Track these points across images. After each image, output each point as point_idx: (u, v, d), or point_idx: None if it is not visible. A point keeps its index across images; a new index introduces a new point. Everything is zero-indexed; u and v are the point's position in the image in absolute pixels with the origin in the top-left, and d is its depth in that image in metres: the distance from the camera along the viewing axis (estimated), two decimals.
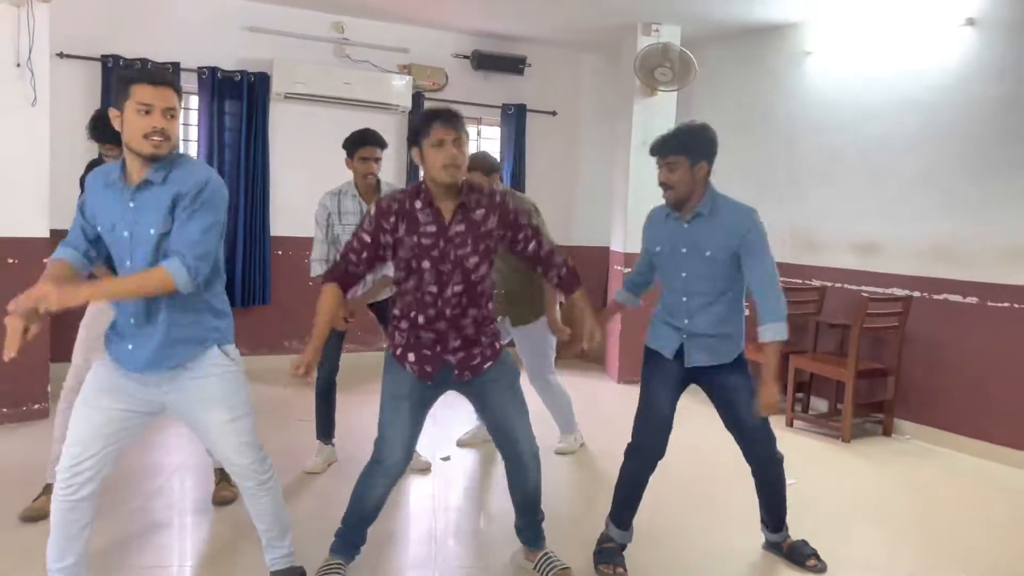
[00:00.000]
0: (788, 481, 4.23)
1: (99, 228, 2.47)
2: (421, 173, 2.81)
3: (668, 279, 3.10)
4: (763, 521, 3.36)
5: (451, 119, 2.67)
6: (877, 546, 3.53)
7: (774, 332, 2.93)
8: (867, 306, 5.00)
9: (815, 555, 3.24)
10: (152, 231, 2.39)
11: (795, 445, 5.00)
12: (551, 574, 2.98)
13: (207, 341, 2.52)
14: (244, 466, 2.63)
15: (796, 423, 5.42)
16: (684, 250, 3.01)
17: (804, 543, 3.30)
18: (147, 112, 2.33)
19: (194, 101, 6.18)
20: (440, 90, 6.94)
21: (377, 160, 3.93)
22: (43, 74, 4.66)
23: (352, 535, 2.95)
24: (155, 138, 2.34)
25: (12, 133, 4.58)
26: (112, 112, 2.40)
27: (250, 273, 6.21)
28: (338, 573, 2.88)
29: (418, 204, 2.71)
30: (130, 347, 2.47)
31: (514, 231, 2.78)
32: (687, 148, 2.95)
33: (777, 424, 5.32)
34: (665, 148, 2.97)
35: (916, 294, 5.23)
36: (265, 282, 6.28)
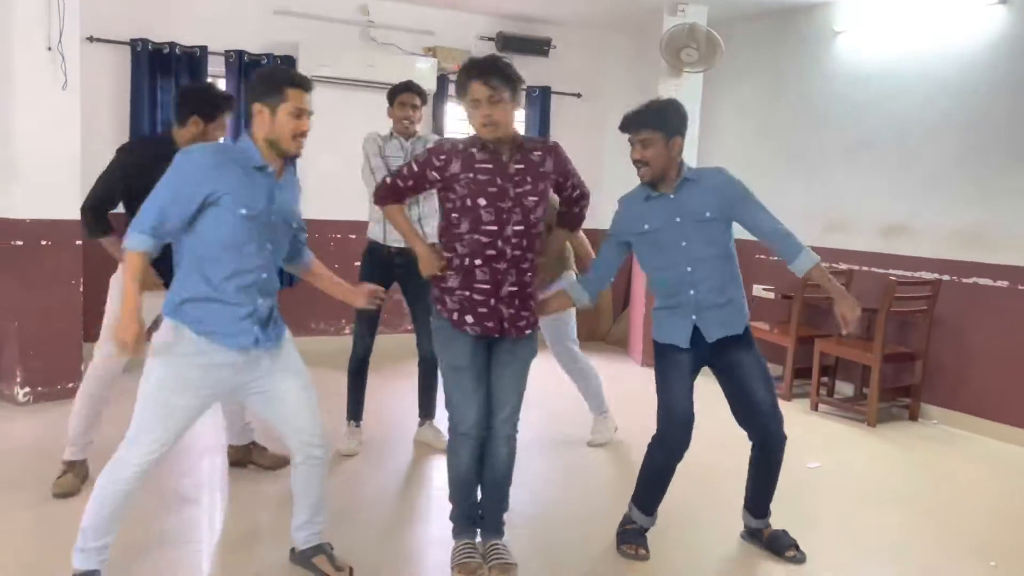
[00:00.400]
0: (811, 464, 4.24)
1: (222, 206, 2.46)
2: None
3: (666, 255, 3.00)
4: (747, 507, 3.26)
5: (488, 74, 2.68)
6: (899, 530, 3.52)
7: (808, 259, 3.00)
8: (895, 289, 4.96)
9: (795, 545, 3.15)
10: (294, 224, 2.70)
11: (820, 429, 4.99)
12: (495, 564, 2.88)
13: (282, 327, 2.74)
14: (316, 435, 2.72)
15: (821, 407, 5.40)
16: (678, 219, 2.97)
17: (784, 533, 3.20)
18: (299, 116, 2.53)
19: (222, 85, 6.22)
20: None
21: (415, 108, 4.04)
22: (74, 58, 4.71)
23: (464, 507, 2.95)
24: (301, 140, 2.57)
25: (44, 117, 4.64)
26: (256, 107, 2.53)
27: None
28: (471, 553, 2.90)
29: (473, 149, 2.76)
30: (256, 328, 2.56)
31: (565, 177, 2.89)
32: (661, 123, 2.92)
33: (802, 408, 5.34)
34: (637, 124, 2.94)
35: (945, 277, 5.17)
36: None
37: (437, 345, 2.89)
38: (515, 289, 2.79)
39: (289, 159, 2.65)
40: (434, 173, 2.79)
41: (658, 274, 3.06)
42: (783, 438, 3.10)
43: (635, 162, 2.98)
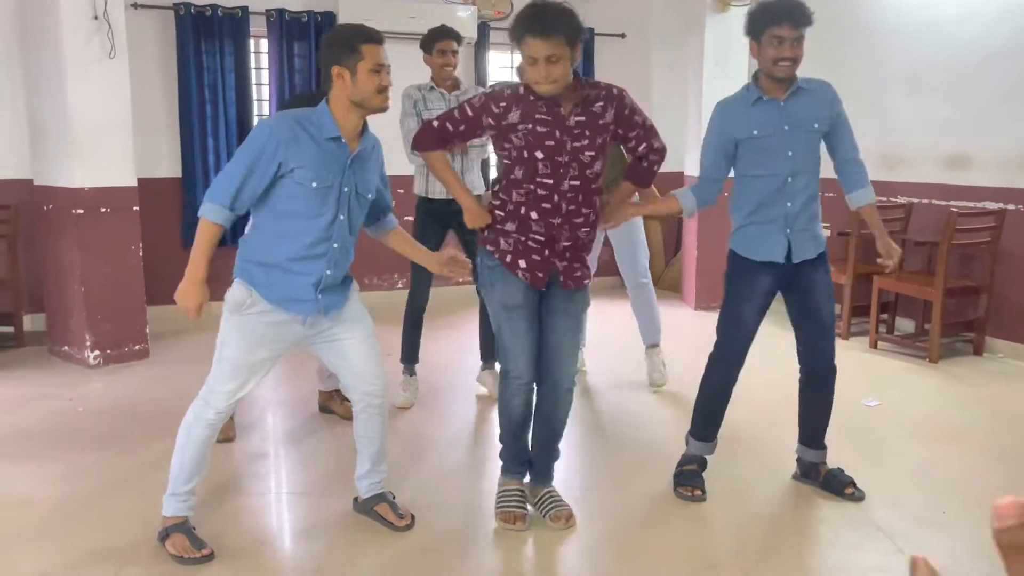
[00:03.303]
0: (871, 403, 4.18)
1: (294, 177, 2.49)
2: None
3: (769, 163, 2.93)
4: (802, 440, 3.20)
5: (547, 30, 2.50)
6: (963, 467, 3.46)
7: (867, 195, 3.09)
8: (956, 221, 4.80)
9: (852, 483, 3.12)
10: (370, 195, 2.69)
11: (879, 367, 4.91)
12: (551, 512, 2.90)
13: (349, 289, 2.77)
14: (379, 385, 2.80)
15: (880, 344, 5.30)
16: (787, 127, 2.92)
17: (841, 471, 3.16)
18: (378, 71, 2.52)
19: (264, 44, 6.25)
20: (506, 18, 6.82)
21: (454, 53, 4.02)
22: (120, 25, 4.76)
23: (514, 448, 2.97)
24: (386, 94, 2.57)
25: (94, 86, 4.72)
26: (336, 71, 2.52)
27: None
28: (518, 497, 2.94)
29: (533, 96, 2.64)
30: (319, 297, 2.60)
31: (626, 128, 2.75)
32: (810, 19, 2.84)
33: (860, 347, 5.25)
34: (802, 18, 2.82)
35: (1011, 207, 4.99)
36: None
37: (487, 286, 2.85)
38: (569, 244, 2.75)
39: (364, 129, 2.64)
40: (490, 120, 2.68)
41: (756, 183, 2.98)
42: (833, 359, 3.07)
43: (782, 59, 2.84)
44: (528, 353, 2.82)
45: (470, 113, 2.72)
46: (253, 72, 6.20)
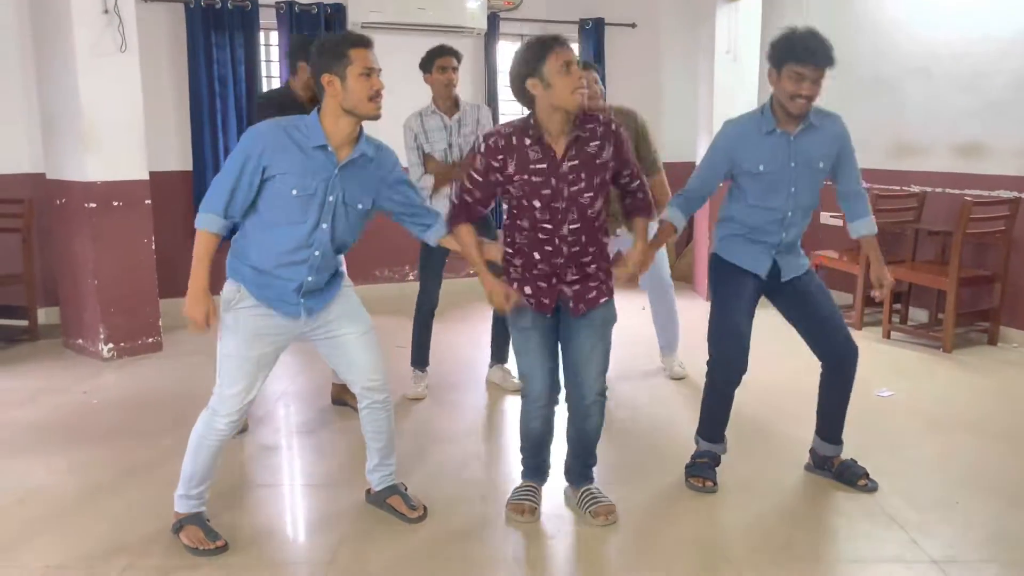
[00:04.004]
0: (885, 393, 4.17)
1: (276, 184, 2.48)
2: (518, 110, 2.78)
3: (768, 196, 2.94)
4: (819, 432, 3.20)
5: (565, 44, 2.59)
6: (977, 457, 3.44)
7: (869, 227, 3.12)
8: (970, 210, 4.76)
9: (866, 474, 3.12)
10: (361, 206, 2.63)
11: (892, 357, 4.88)
12: (591, 508, 2.91)
13: (338, 267, 2.76)
14: (379, 380, 2.80)
15: (894, 335, 5.27)
16: (793, 164, 2.91)
17: (854, 462, 3.16)
18: (368, 75, 2.48)
19: (274, 37, 6.25)
20: (515, 8, 6.80)
21: (455, 69, 3.98)
22: (130, 19, 4.77)
23: (532, 462, 3.00)
24: (379, 100, 2.52)
25: (105, 80, 4.74)
26: (325, 78, 2.48)
27: None
28: (530, 493, 2.96)
29: (527, 140, 2.62)
30: (303, 301, 2.61)
31: (622, 166, 2.73)
32: (833, 61, 2.79)
33: (873, 337, 5.23)
34: (824, 60, 2.77)
35: None
36: None
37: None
38: (577, 277, 2.74)
39: (368, 138, 2.61)
40: (497, 175, 2.66)
41: (754, 212, 2.99)
42: (855, 348, 3.06)
43: (799, 96, 2.81)
44: (543, 374, 2.81)
45: (479, 179, 2.70)
46: (263, 65, 6.21)
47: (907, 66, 5.70)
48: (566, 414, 2.93)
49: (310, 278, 2.60)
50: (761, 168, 2.92)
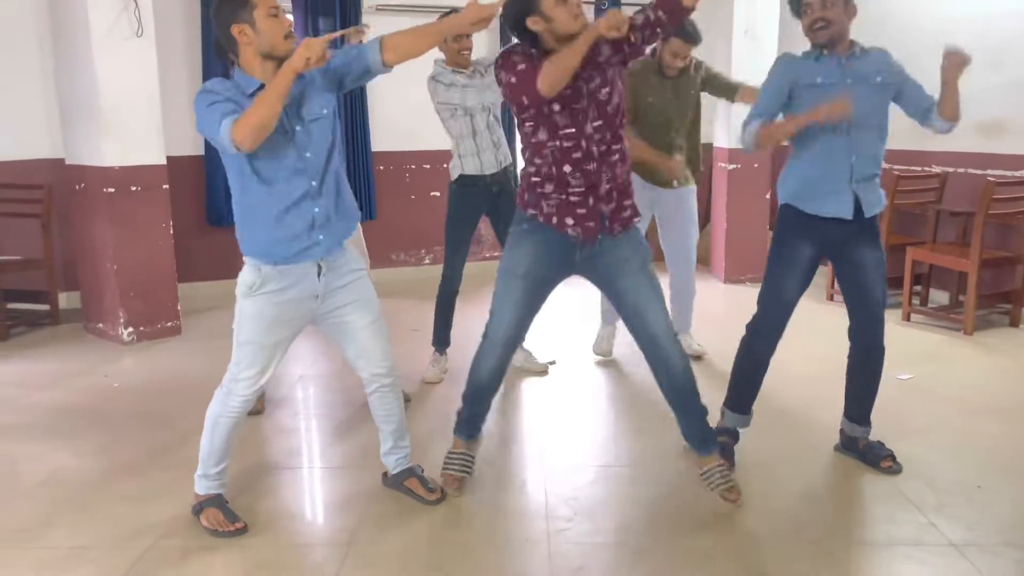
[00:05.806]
0: (903, 376, 4.13)
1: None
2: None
3: None
4: (847, 414, 3.20)
5: None
6: (999, 440, 3.41)
7: (936, 102, 3.17)
8: (993, 191, 4.69)
9: (891, 456, 3.11)
10: (325, 111, 2.58)
11: (913, 339, 4.84)
12: (716, 490, 2.87)
13: (353, 219, 2.71)
14: (383, 364, 2.80)
15: (914, 317, 5.21)
16: (849, 81, 2.88)
17: (880, 444, 3.16)
18: (276, 15, 2.44)
19: (290, 19, 6.22)
20: None
21: (468, 36, 3.94)
22: (146, 3, 4.77)
23: (469, 411, 3.01)
24: (292, 39, 2.46)
25: (122, 65, 4.75)
26: (235, 29, 2.42)
27: (354, 189, 6.31)
28: (463, 465, 3.00)
29: (535, 51, 2.60)
30: (321, 237, 2.58)
31: (618, 44, 2.57)
32: None
33: (893, 319, 5.16)
34: None
35: None
36: (370, 197, 6.42)
37: (506, 248, 2.87)
38: (610, 185, 2.72)
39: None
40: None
41: (818, 139, 2.92)
42: (882, 340, 3.04)
43: (814, 21, 2.82)
44: (513, 322, 2.83)
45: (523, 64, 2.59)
46: None
47: (928, 44, 5.59)
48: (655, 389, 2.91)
49: (317, 210, 2.56)
50: (819, 80, 2.89)
